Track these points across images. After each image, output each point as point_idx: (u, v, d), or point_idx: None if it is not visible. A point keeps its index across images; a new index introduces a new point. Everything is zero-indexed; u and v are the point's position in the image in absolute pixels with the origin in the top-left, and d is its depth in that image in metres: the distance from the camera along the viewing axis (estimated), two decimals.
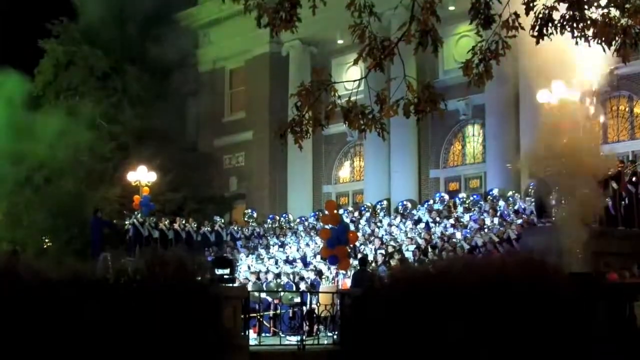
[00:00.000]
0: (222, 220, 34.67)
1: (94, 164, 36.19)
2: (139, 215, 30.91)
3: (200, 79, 42.43)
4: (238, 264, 26.76)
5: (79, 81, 38.61)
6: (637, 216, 22.53)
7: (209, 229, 32.96)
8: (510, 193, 27.76)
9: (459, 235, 24.92)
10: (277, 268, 25.93)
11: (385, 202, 32.26)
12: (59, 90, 38.46)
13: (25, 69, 36.33)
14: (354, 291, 17.22)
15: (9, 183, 35.29)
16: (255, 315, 19.13)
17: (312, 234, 30.05)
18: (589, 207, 18.58)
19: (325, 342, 17.52)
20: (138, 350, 10.95)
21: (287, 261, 27.30)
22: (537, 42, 9.81)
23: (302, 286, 22.76)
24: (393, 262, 23.08)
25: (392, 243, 25.65)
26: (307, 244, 28.74)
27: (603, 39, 9.68)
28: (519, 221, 23.96)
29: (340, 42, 35.74)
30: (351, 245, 23.19)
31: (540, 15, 9.64)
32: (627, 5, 9.58)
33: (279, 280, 23.94)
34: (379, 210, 31.35)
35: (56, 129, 34.68)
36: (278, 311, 21.18)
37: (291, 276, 24.06)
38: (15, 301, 10.88)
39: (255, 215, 35.51)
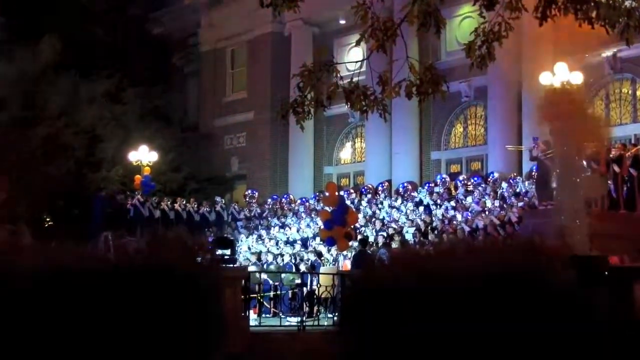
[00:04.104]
0: (223, 201, 34.66)
1: (96, 143, 36.10)
2: (140, 195, 30.90)
3: (202, 58, 42.32)
4: (238, 245, 26.77)
5: (80, 60, 38.47)
6: (639, 200, 22.50)
7: (208, 209, 32.96)
8: (511, 175, 27.71)
9: (459, 217, 24.90)
10: (277, 249, 25.93)
11: (386, 184, 32.21)
12: (59, 69, 38.30)
13: (28, 46, 36.15)
14: (353, 273, 17.20)
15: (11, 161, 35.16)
16: (255, 296, 19.15)
17: (312, 215, 30.03)
18: (595, 190, 18.52)
19: (326, 323, 17.52)
20: (134, 330, 10.94)
21: (287, 242, 27.28)
22: (541, 24, 9.75)
23: (302, 267, 22.76)
24: (394, 244, 23.07)
25: (392, 225, 25.62)
26: (308, 225, 28.72)
27: (606, 21, 9.62)
28: (520, 204, 23.93)
29: (342, 22, 35.52)
30: (352, 227, 23.15)
31: None
32: None
33: (279, 261, 23.94)
34: (380, 192, 31.30)
35: (57, 108, 34.60)
36: (278, 292, 21.19)
37: (292, 257, 24.05)
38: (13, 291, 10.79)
39: (256, 195, 35.48)
